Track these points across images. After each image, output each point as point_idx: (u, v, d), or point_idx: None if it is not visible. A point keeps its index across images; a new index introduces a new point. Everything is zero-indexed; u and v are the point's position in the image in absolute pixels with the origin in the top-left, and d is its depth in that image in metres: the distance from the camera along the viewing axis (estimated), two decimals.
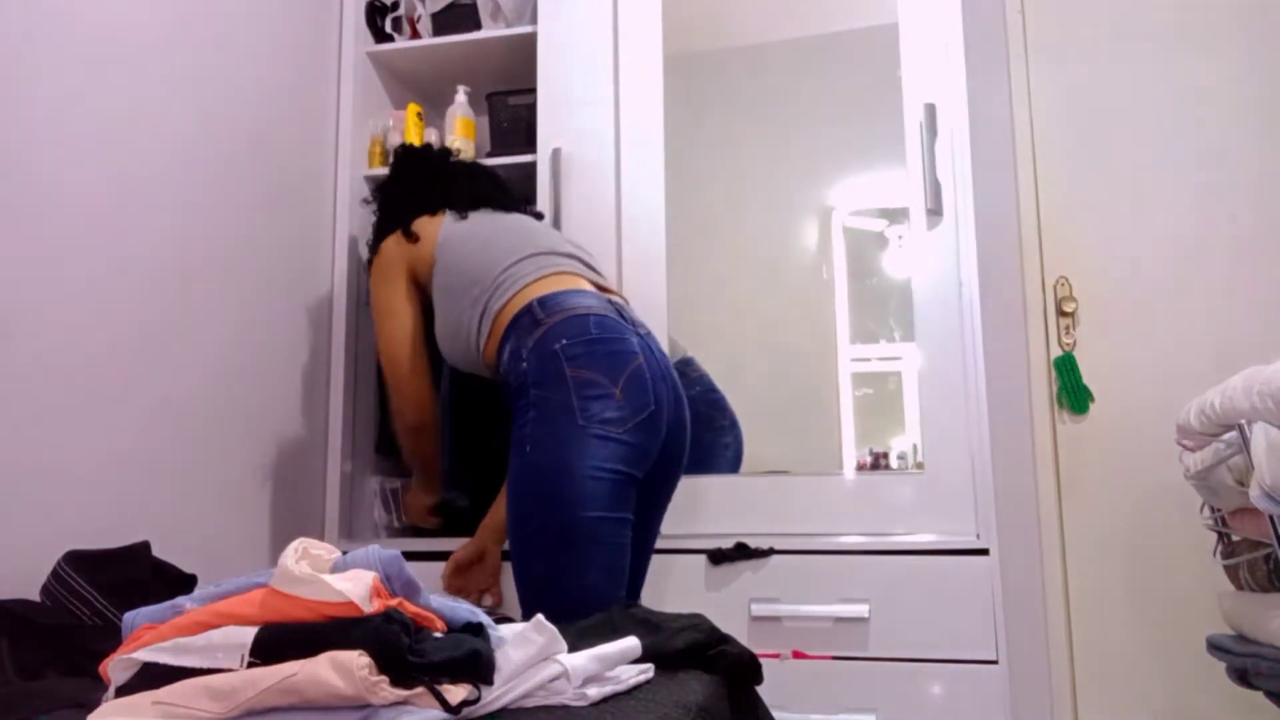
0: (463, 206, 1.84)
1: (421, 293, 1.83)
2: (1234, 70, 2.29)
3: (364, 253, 2.07)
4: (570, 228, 2.06)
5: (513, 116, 2.27)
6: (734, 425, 2.05)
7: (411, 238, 1.81)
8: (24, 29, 1.47)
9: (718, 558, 1.85)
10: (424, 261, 1.79)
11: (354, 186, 2.28)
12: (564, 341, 1.54)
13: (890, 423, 2.05)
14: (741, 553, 1.84)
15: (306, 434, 2.13)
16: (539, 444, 1.50)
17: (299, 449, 2.10)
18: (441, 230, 1.80)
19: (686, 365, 2.04)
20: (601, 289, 1.74)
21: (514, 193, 1.96)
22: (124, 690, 0.87)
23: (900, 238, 2.04)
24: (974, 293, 1.87)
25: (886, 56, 2.00)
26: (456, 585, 1.82)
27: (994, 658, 1.72)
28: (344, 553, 0.93)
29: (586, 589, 1.46)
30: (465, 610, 0.98)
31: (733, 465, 2.03)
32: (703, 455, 1.92)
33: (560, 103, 2.14)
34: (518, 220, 1.84)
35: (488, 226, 1.80)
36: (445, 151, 2.01)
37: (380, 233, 1.88)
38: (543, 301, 1.61)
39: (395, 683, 0.83)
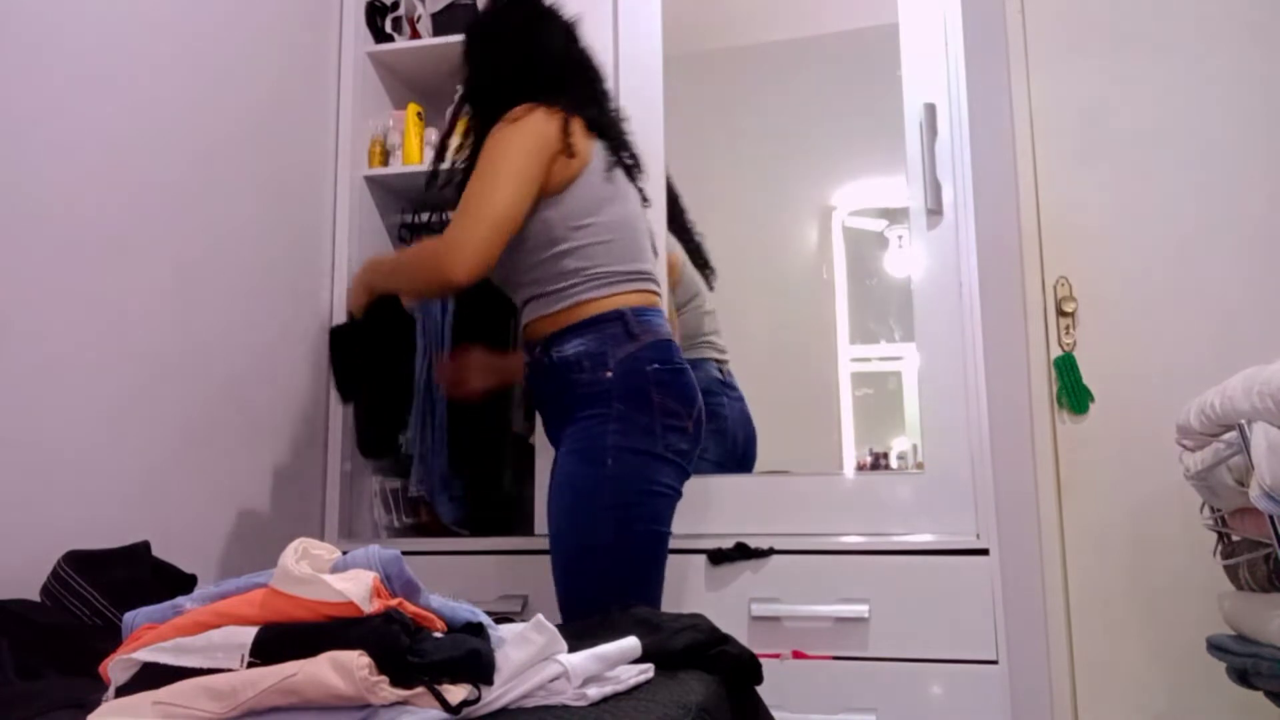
0: (612, 150, 1.66)
1: (539, 181, 1.59)
2: (1234, 70, 2.29)
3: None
4: None
5: None
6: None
7: (567, 138, 1.59)
8: (24, 30, 1.47)
9: (718, 558, 1.85)
10: (560, 175, 1.59)
11: (354, 186, 2.28)
12: (655, 366, 1.55)
13: (890, 423, 2.05)
14: (741, 553, 1.84)
15: (306, 434, 2.13)
16: (621, 459, 1.50)
17: (299, 449, 2.10)
18: (587, 170, 1.61)
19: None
20: None
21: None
22: (124, 690, 0.87)
23: (900, 238, 2.04)
24: (974, 293, 1.87)
25: (886, 56, 2.00)
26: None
27: (994, 658, 1.72)
28: (344, 553, 0.93)
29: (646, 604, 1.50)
30: (465, 610, 0.98)
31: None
32: (747, 466, 2.03)
33: None
34: (639, 214, 1.69)
35: (621, 208, 1.64)
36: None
37: (525, 89, 1.64)
38: (637, 314, 1.57)
39: (395, 683, 0.83)
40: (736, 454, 2.02)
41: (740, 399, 2.06)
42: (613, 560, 1.51)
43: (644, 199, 1.73)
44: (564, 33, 1.74)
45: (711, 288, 2.14)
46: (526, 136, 1.57)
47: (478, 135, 1.68)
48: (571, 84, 1.70)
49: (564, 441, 1.57)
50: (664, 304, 1.72)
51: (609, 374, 1.53)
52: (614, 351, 1.54)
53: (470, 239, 1.53)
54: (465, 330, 2.08)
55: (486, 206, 1.54)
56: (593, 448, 1.51)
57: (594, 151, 1.62)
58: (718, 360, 2.07)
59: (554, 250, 1.59)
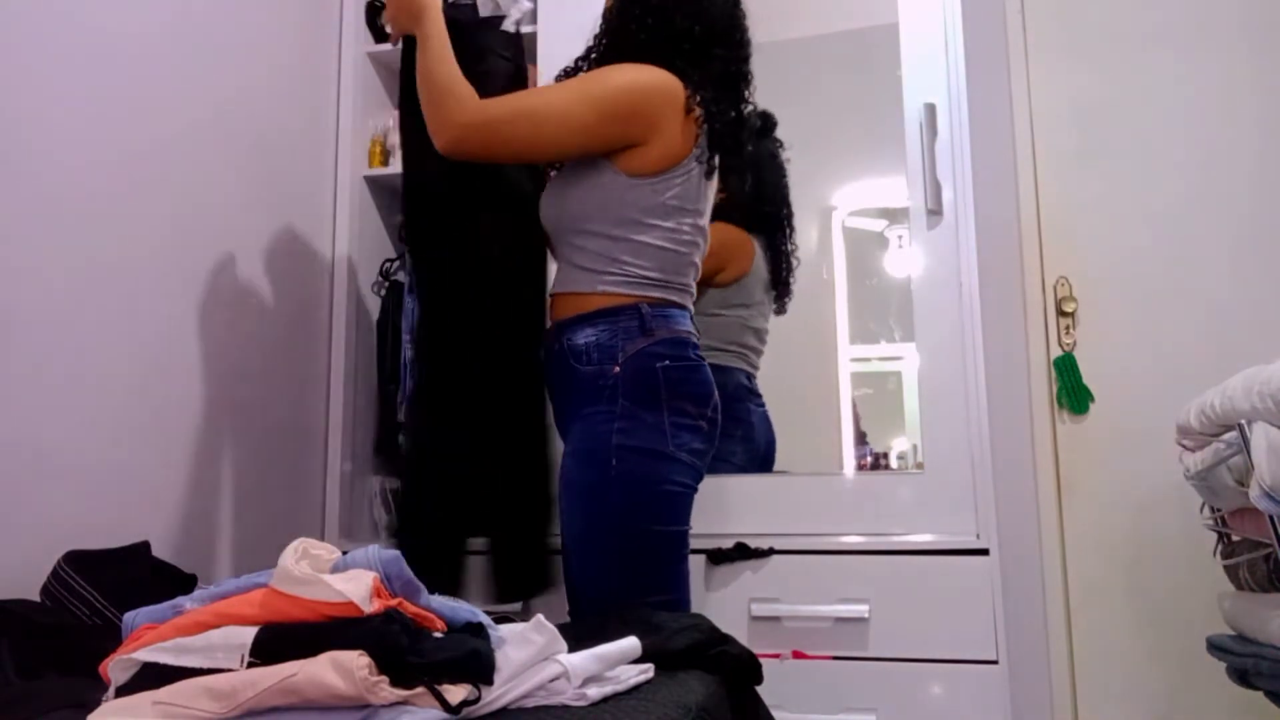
0: (721, 152, 1.54)
1: (610, 147, 1.48)
2: (1234, 70, 2.29)
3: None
4: None
5: None
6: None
7: (690, 111, 1.47)
8: (24, 29, 1.47)
9: (718, 558, 1.84)
10: (652, 158, 1.49)
11: (354, 186, 2.28)
12: (667, 362, 1.48)
13: (890, 423, 2.06)
14: (741, 553, 1.84)
15: (306, 434, 2.13)
16: (626, 458, 1.44)
17: (299, 449, 2.10)
18: (685, 167, 1.51)
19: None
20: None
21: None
22: (124, 690, 0.87)
23: (900, 238, 2.04)
24: (974, 293, 1.87)
25: (886, 56, 2.00)
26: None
27: (994, 658, 1.72)
28: (344, 553, 0.93)
29: (674, 604, 1.48)
30: (465, 610, 0.98)
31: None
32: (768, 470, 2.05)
33: None
34: (704, 231, 1.59)
35: (694, 220, 1.54)
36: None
37: (649, 44, 1.51)
38: (656, 309, 1.50)
39: (395, 683, 0.83)
40: (758, 459, 2.03)
41: (763, 406, 2.07)
42: (632, 564, 1.46)
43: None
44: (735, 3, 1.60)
45: (780, 310, 2.13)
46: (629, 100, 1.47)
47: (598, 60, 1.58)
48: (719, 64, 1.55)
49: (570, 437, 1.53)
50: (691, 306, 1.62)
51: (617, 369, 1.47)
52: (625, 345, 1.48)
53: (479, 130, 1.47)
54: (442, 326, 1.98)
55: (532, 123, 1.47)
56: (596, 449, 1.46)
57: (703, 151, 1.52)
58: (748, 370, 2.07)
59: (609, 231, 1.51)
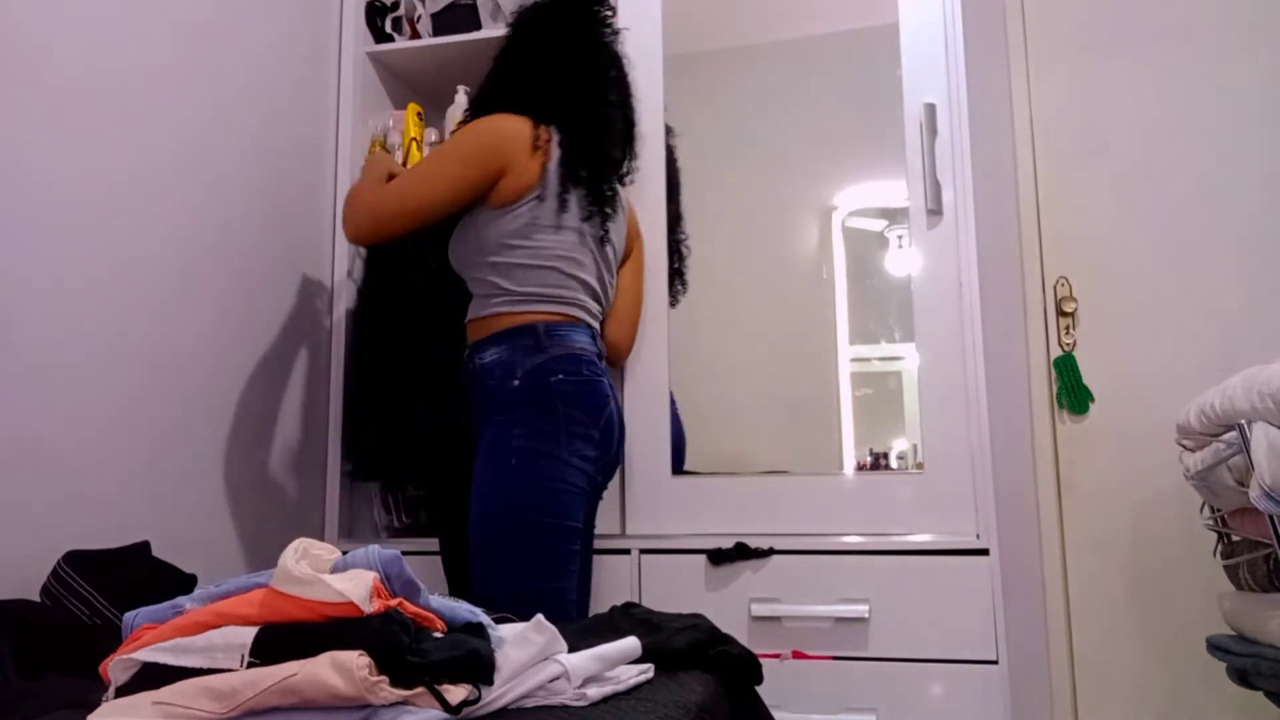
0: (579, 185, 1.71)
1: (478, 188, 1.68)
2: (1234, 70, 2.29)
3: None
4: None
5: None
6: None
7: (527, 156, 1.67)
8: (24, 29, 1.47)
9: (718, 558, 1.85)
10: (509, 189, 1.67)
11: None
12: (560, 377, 1.63)
13: (890, 423, 2.05)
14: (741, 553, 1.84)
15: (306, 434, 2.13)
16: (524, 459, 1.59)
17: (299, 449, 2.10)
18: (535, 194, 1.68)
19: None
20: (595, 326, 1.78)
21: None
22: (124, 690, 0.87)
23: (900, 238, 2.04)
24: (974, 293, 1.87)
25: (886, 56, 2.00)
26: None
27: (994, 658, 1.72)
28: (344, 553, 0.93)
29: (558, 592, 1.60)
30: (465, 610, 0.98)
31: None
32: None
33: None
34: (581, 249, 1.73)
35: (559, 239, 1.70)
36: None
37: (508, 94, 1.75)
38: (550, 329, 1.66)
39: (395, 683, 0.83)
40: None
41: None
42: (521, 551, 1.57)
43: (604, 239, 1.76)
44: (598, 48, 1.82)
45: (673, 303, 2.10)
46: (480, 141, 1.68)
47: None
48: (575, 103, 1.75)
49: (479, 446, 1.65)
50: (596, 323, 1.76)
51: (516, 382, 1.62)
52: (523, 362, 1.63)
53: (373, 210, 1.69)
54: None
55: (404, 194, 1.68)
56: (499, 450, 1.59)
57: (551, 178, 1.68)
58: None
59: (485, 259, 1.70)
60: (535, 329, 1.65)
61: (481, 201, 1.70)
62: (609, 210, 1.76)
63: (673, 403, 2.04)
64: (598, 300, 1.77)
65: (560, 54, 1.78)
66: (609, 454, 1.71)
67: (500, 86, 1.78)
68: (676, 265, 2.10)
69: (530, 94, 1.74)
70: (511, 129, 1.68)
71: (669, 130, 2.11)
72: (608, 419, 1.68)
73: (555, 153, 1.69)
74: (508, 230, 1.68)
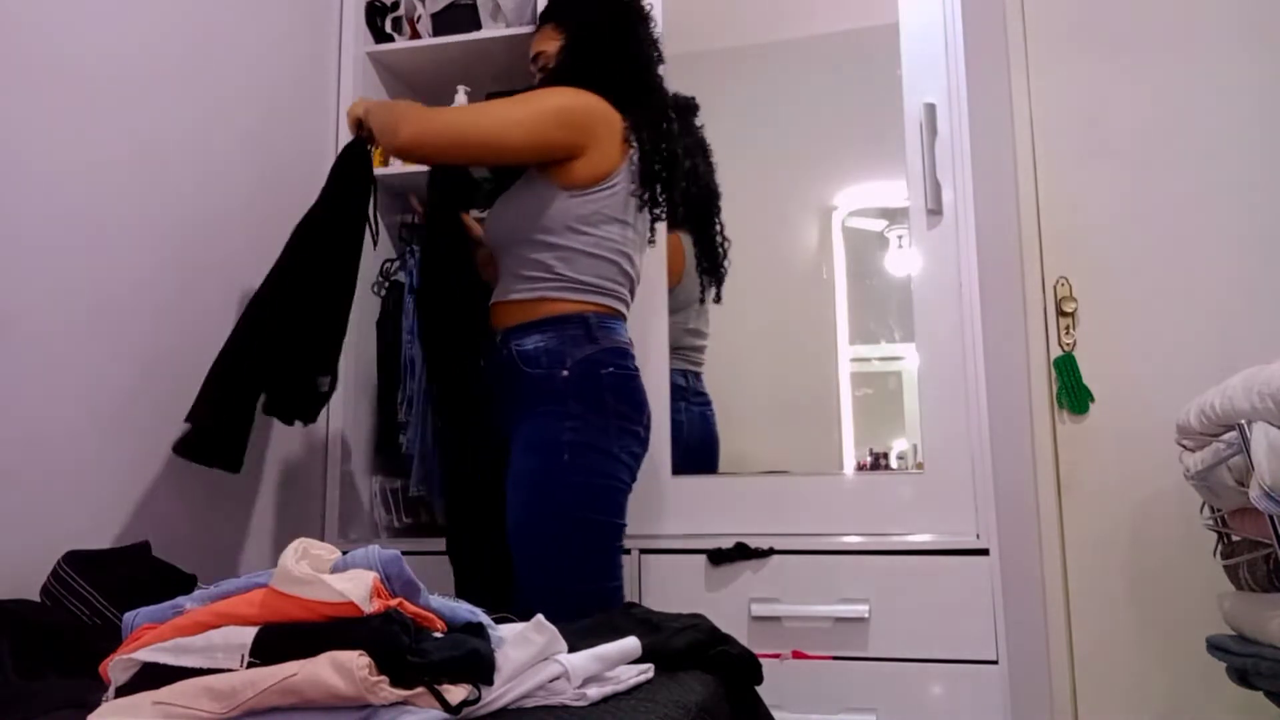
0: (649, 183, 1.68)
1: (550, 153, 1.61)
2: (1234, 71, 2.29)
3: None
4: None
5: None
6: None
7: (607, 142, 1.62)
8: (23, 29, 1.47)
9: (718, 558, 1.85)
10: (586, 172, 1.62)
11: None
12: (611, 370, 1.59)
13: (890, 423, 2.05)
14: (741, 553, 1.84)
15: (306, 434, 2.12)
16: (576, 453, 1.54)
17: (299, 449, 2.10)
18: (613, 183, 1.64)
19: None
20: None
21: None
22: (124, 690, 0.87)
23: (900, 238, 2.04)
24: (974, 293, 1.87)
25: (886, 56, 2.00)
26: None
27: (994, 658, 1.72)
28: (344, 553, 0.93)
29: (608, 592, 1.57)
30: (465, 610, 0.98)
31: None
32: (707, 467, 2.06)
33: None
34: (637, 248, 1.72)
35: (623, 233, 1.67)
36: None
37: (595, 74, 1.66)
38: (600, 319, 1.62)
39: (395, 683, 0.83)
40: (687, 458, 2.02)
41: (702, 405, 2.07)
42: (570, 549, 1.54)
43: (651, 239, 1.77)
44: (656, 51, 1.79)
45: (709, 301, 2.11)
46: (575, 108, 1.61)
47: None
48: (655, 102, 1.73)
49: (518, 436, 1.60)
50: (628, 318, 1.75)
51: (565, 372, 1.57)
52: (572, 351, 1.58)
53: (440, 128, 1.60)
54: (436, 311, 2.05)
55: (480, 124, 1.60)
56: (549, 442, 1.54)
57: (629, 171, 1.65)
58: (684, 370, 2.07)
59: (544, 239, 1.62)
60: (586, 319, 1.60)
61: (545, 177, 1.63)
62: (662, 214, 1.75)
63: (708, 403, 2.04)
64: (633, 297, 1.75)
65: (646, 48, 1.76)
66: (645, 452, 1.66)
67: (587, 63, 1.70)
68: (715, 262, 2.11)
69: (617, 81, 1.68)
70: (604, 111, 1.63)
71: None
72: (648, 416, 1.65)
73: (635, 147, 1.65)
74: (576, 214, 1.61)
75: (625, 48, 1.73)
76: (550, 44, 1.75)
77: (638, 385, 1.63)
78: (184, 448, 1.64)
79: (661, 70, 1.79)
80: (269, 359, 1.69)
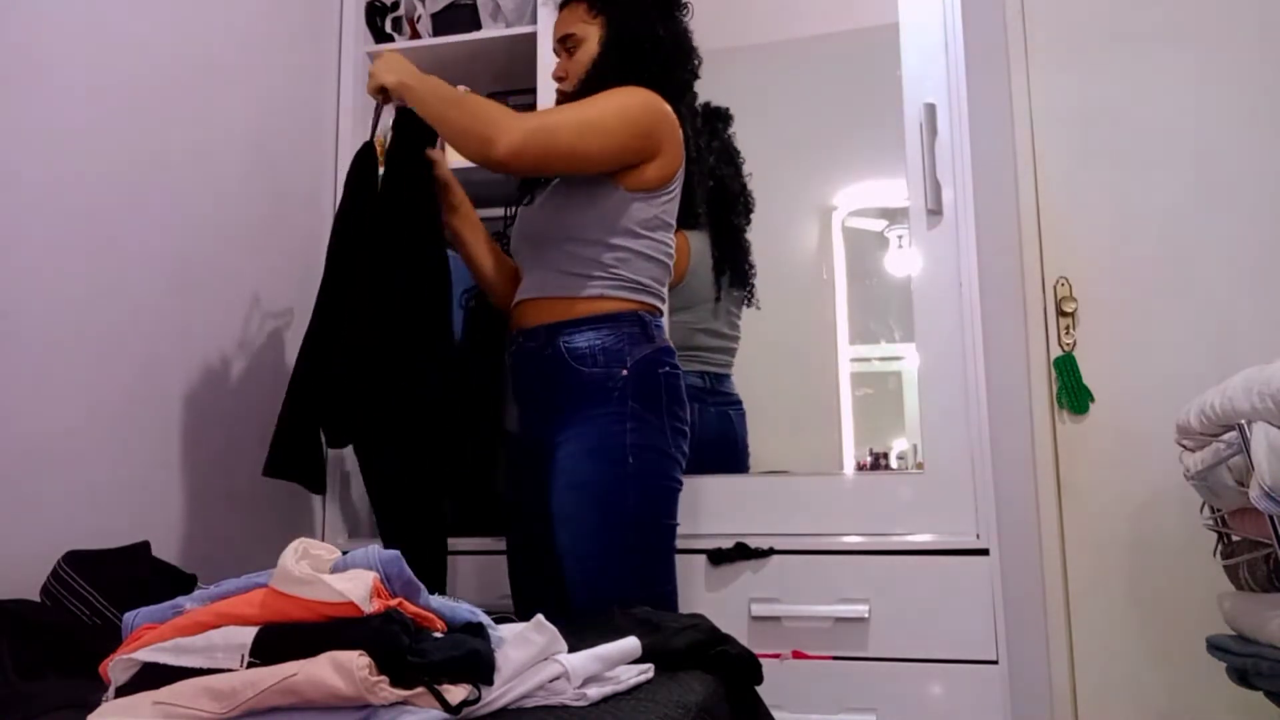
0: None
1: (627, 161, 1.55)
2: (1234, 70, 2.29)
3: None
4: None
5: None
6: None
7: (679, 147, 1.59)
8: (24, 30, 1.47)
9: (718, 558, 1.85)
10: (658, 174, 1.58)
11: None
12: (667, 369, 1.58)
13: (890, 423, 2.06)
14: (741, 553, 1.84)
15: None
16: (641, 456, 1.51)
17: None
18: (676, 185, 1.62)
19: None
20: None
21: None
22: (124, 690, 0.87)
23: (900, 238, 2.04)
24: (974, 293, 1.87)
25: (886, 56, 2.00)
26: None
27: (994, 658, 1.72)
28: (344, 553, 0.93)
29: (671, 595, 1.57)
30: (465, 610, 0.98)
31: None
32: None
33: None
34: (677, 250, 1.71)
35: (673, 223, 1.65)
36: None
37: (644, 65, 1.60)
38: (655, 318, 1.61)
39: (395, 683, 0.83)
40: (707, 455, 1.98)
41: (724, 405, 2.07)
42: (642, 557, 1.52)
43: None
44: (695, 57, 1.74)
45: (726, 301, 2.11)
46: (652, 113, 1.55)
47: (590, 84, 1.62)
48: (688, 99, 1.71)
49: (569, 439, 1.53)
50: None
51: (625, 371, 1.52)
52: (632, 350, 1.54)
53: (537, 136, 1.50)
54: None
55: (574, 131, 1.51)
56: (611, 446, 1.50)
57: (682, 174, 1.63)
58: (701, 371, 2.07)
59: (603, 239, 1.57)
60: (641, 317, 1.57)
61: (607, 177, 1.57)
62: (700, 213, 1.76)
63: (734, 403, 2.04)
64: None
65: (687, 40, 1.70)
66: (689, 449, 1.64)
67: (640, 57, 1.62)
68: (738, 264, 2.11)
69: (668, 78, 1.63)
70: (669, 113, 1.58)
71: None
72: (692, 415, 1.63)
73: (683, 149, 1.62)
74: (639, 218, 1.57)
75: (676, 42, 1.66)
76: (583, 27, 1.65)
77: (683, 384, 1.62)
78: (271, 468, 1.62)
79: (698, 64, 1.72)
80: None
